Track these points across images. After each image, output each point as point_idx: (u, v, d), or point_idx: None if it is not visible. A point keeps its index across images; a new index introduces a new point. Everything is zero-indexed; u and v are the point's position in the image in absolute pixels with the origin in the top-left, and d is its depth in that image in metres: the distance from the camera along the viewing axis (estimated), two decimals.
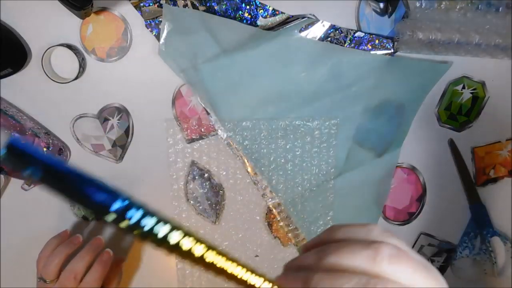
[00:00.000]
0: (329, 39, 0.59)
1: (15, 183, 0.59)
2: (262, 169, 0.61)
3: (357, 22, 0.59)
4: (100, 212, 0.14)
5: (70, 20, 0.56)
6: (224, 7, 0.58)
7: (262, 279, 0.23)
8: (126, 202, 0.14)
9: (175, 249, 0.17)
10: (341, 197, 0.62)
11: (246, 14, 0.58)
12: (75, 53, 0.56)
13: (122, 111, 0.60)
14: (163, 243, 0.16)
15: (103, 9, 0.57)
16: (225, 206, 0.62)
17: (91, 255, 0.53)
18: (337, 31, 0.59)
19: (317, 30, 0.58)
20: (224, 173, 0.61)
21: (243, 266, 0.21)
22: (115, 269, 0.57)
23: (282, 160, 0.61)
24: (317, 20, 0.58)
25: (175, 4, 0.57)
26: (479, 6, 0.58)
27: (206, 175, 0.61)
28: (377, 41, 0.59)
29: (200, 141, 0.61)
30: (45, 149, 0.56)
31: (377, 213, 0.63)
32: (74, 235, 0.56)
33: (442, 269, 0.66)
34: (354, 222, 0.28)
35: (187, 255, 0.17)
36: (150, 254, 0.63)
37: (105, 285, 0.55)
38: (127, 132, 0.60)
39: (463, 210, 0.65)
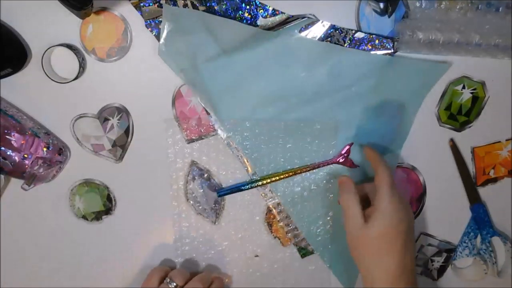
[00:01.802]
0: (329, 39, 0.59)
1: (15, 183, 0.59)
2: (262, 168, 0.61)
3: (357, 22, 0.59)
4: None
5: (70, 20, 0.56)
6: (224, 7, 0.58)
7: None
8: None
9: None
10: None
11: (246, 14, 0.58)
12: (75, 53, 0.56)
13: (122, 111, 0.60)
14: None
15: (103, 9, 0.57)
16: (225, 206, 0.62)
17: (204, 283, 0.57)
18: (337, 31, 0.59)
19: (317, 30, 0.58)
20: (224, 173, 0.61)
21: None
22: None
23: (282, 160, 0.61)
24: (317, 20, 0.58)
25: (175, 4, 0.57)
26: (479, 6, 0.58)
27: (206, 175, 0.61)
28: (377, 41, 0.59)
29: (199, 141, 0.61)
30: (45, 149, 0.56)
31: None
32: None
33: (442, 269, 0.66)
34: None
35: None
36: (152, 254, 0.63)
37: None
38: (127, 132, 0.60)
39: (463, 210, 0.65)
